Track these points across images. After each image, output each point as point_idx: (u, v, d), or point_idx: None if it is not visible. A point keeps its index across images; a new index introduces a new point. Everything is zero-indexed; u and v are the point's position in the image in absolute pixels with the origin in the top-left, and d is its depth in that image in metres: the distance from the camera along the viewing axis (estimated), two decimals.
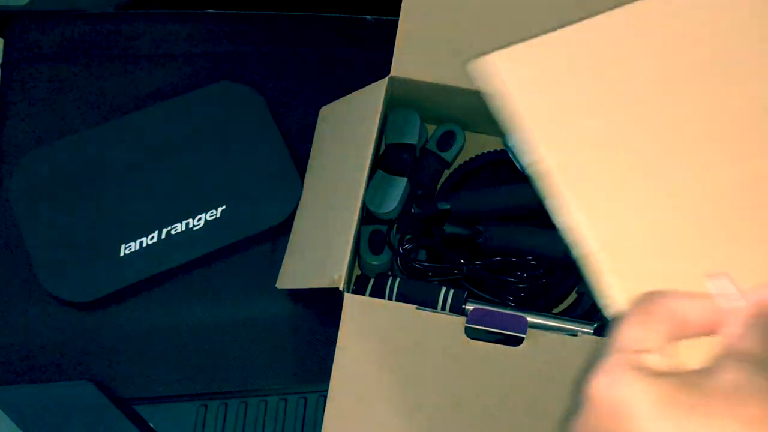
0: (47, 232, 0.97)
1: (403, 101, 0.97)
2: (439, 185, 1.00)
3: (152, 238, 0.96)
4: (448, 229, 0.93)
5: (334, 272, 0.82)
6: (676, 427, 0.40)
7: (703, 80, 0.56)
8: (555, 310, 0.94)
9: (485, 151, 1.01)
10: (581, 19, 0.90)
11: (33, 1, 1.08)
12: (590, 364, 0.44)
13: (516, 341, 0.81)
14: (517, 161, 0.97)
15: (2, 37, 1.10)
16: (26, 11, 1.09)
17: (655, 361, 0.43)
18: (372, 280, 0.90)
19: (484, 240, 0.92)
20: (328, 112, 1.02)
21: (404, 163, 0.95)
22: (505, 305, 0.90)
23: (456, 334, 0.81)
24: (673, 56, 0.58)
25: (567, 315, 0.92)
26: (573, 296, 0.95)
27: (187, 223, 0.97)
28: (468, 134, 1.03)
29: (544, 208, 0.95)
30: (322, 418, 0.81)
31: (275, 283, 0.95)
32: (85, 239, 0.96)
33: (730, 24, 0.59)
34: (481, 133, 1.03)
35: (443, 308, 0.87)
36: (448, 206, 0.94)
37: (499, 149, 1.01)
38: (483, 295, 0.91)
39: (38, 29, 1.09)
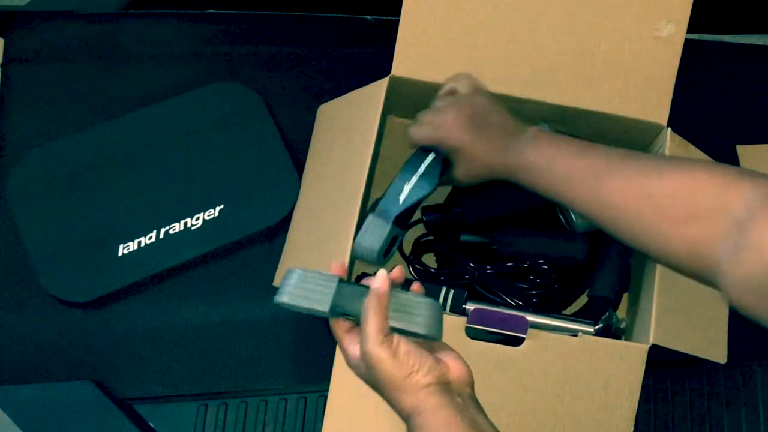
0: (46, 231, 0.97)
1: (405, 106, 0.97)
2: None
3: (150, 238, 0.96)
4: (464, 237, 0.93)
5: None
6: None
7: None
8: (564, 312, 0.94)
9: None
10: (579, 18, 0.90)
11: (33, 1, 1.08)
12: None
13: (516, 341, 0.81)
14: None
15: (2, 37, 1.10)
16: (26, 11, 1.09)
17: None
18: None
19: (498, 246, 0.92)
20: (327, 110, 1.02)
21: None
22: (516, 309, 0.90)
23: (456, 334, 0.81)
24: None
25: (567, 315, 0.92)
26: (583, 299, 0.95)
27: (186, 223, 0.97)
28: None
29: (554, 208, 0.96)
30: (322, 418, 0.81)
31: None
32: (83, 239, 0.96)
33: None
34: None
35: (443, 308, 0.86)
36: (459, 210, 0.94)
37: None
38: (495, 299, 0.91)
39: (38, 29, 1.09)
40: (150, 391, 0.93)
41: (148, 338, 0.95)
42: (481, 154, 0.78)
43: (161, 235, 0.96)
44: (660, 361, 0.85)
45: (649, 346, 0.81)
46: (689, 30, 0.89)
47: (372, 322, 0.61)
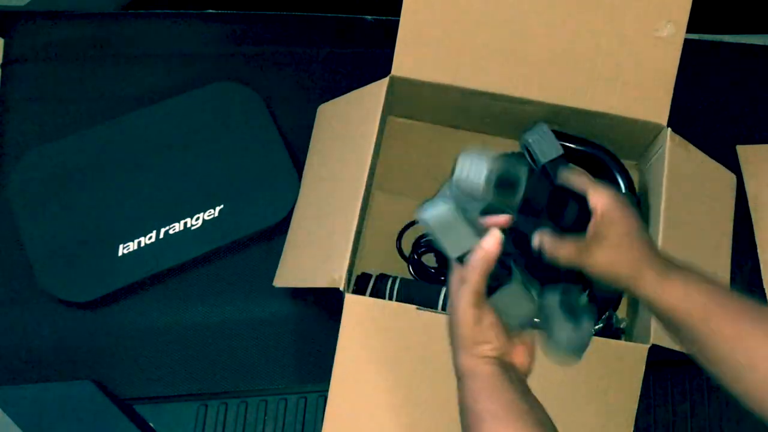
0: (46, 231, 0.97)
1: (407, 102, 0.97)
2: None
3: (150, 238, 0.96)
4: None
5: (335, 272, 0.82)
6: None
7: None
8: None
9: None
10: (579, 18, 0.90)
11: (33, 1, 1.08)
12: None
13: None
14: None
15: (2, 37, 1.10)
16: (26, 11, 1.09)
17: None
18: (372, 280, 0.90)
19: None
20: (327, 110, 1.02)
21: None
22: None
23: None
24: None
25: None
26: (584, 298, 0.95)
27: (185, 223, 0.97)
28: (469, 134, 1.03)
29: (554, 205, 0.95)
30: (322, 418, 0.81)
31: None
32: (83, 239, 0.96)
33: None
34: (482, 133, 1.03)
35: (443, 308, 0.86)
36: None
37: (506, 153, 1.00)
38: None
39: (38, 29, 1.09)
40: (150, 391, 0.93)
41: (148, 338, 0.95)
42: (629, 250, 0.67)
43: (161, 235, 0.96)
44: (660, 361, 0.85)
45: (649, 346, 0.81)
46: (689, 30, 0.89)
47: (471, 283, 0.63)
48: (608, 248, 0.67)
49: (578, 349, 0.67)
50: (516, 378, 0.64)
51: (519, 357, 0.65)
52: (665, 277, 0.65)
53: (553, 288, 0.67)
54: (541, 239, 0.70)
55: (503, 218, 0.66)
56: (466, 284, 0.63)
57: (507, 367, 0.64)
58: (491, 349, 0.63)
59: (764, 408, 0.60)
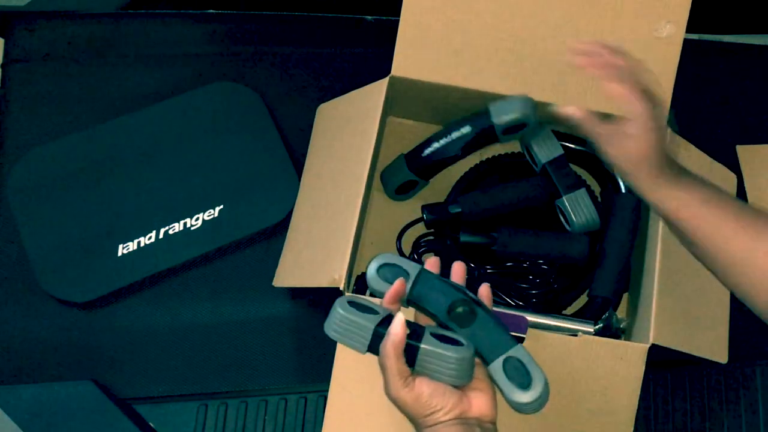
0: (45, 231, 0.97)
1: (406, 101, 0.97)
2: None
3: (150, 238, 0.96)
4: (464, 237, 0.93)
5: (335, 272, 0.82)
6: None
7: None
8: (565, 312, 0.94)
9: (495, 155, 1.01)
10: (579, 18, 0.90)
11: (33, 1, 1.08)
12: None
13: (516, 341, 0.81)
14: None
15: (2, 37, 1.11)
16: (26, 11, 1.09)
17: None
18: None
19: (498, 246, 0.92)
20: (327, 110, 1.02)
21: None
22: (516, 309, 0.90)
23: None
24: None
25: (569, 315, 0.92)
26: (584, 299, 0.95)
27: (185, 223, 0.97)
28: None
29: (554, 208, 0.95)
30: (322, 418, 0.81)
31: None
32: (83, 239, 0.96)
33: None
34: None
35: None
36: (459, 209, 0.94)
37: (506, 152, 1.01)
38: (495, 299, 0.91)
39: (38, 29, 1.09)
40: (150, 391, 0.93)
41: (148, 338, 0.95)
42: (640, 150, 0.72)
43: (161, 235, 0.96)
44: (660, 361, 0.85)
45: (649, 346, 0.81)
46: (689, 30, 0.89)
47: (391, 369, 0.64)
48: (624, 142, 0.72)
49: (539, 407, 0.68)
50: (480, 430, 0.64)
51: (477, 408, 0.66)
52: (664, 184, 0.71)
53: (497, 354, 0.68)
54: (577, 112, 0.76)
55: (396, 287, 0.69)
56: (386, 371, 0.65)
57: (468, 423, 0.65)
58: (444, 414, 0.64)
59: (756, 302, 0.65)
